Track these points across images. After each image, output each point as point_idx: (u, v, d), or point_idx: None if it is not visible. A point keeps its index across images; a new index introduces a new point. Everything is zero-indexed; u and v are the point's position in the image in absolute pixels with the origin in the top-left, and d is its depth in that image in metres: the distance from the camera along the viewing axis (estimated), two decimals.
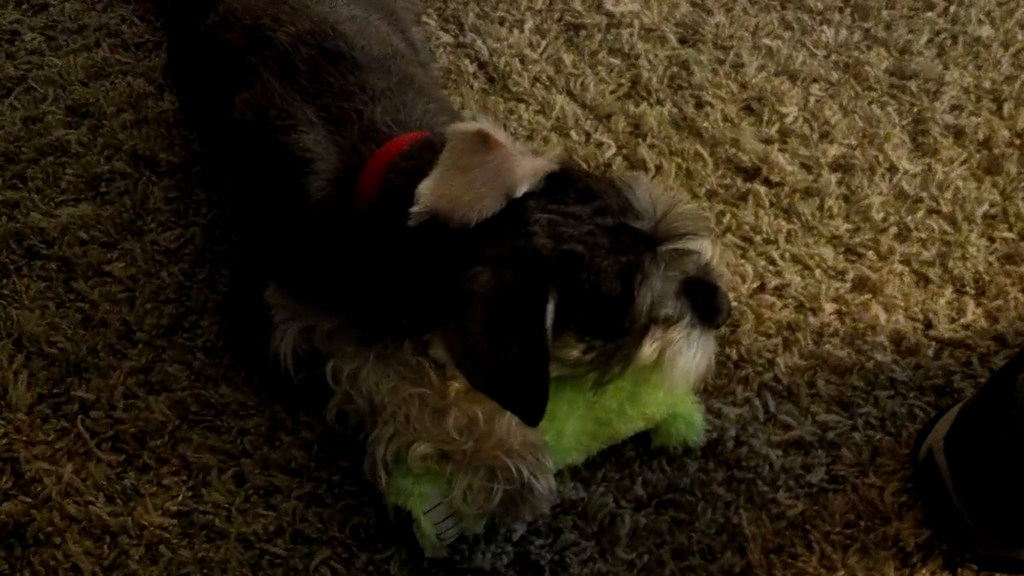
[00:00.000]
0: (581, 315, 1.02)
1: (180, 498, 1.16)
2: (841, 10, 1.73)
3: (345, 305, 1.16)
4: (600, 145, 1.51)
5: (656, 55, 1.65)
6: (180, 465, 1.18)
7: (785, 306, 1.33)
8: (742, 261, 1.37)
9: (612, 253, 1.02)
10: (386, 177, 1.07)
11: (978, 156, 1.50)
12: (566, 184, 1.05)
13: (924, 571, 1.11)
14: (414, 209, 1.00)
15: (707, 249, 1.11)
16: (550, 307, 0.98)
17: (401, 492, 1.06)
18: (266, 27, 1.22)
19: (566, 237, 1.01)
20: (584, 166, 1.47)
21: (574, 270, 1.00)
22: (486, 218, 1.00)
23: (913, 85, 1.60)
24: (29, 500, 1.16)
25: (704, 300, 1.08)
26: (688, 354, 1.08)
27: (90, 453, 1.19)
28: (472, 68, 1.63)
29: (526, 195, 1.02)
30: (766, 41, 1.67)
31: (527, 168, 1.02)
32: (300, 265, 1.16)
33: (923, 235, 1.40)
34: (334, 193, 1.10)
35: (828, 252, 1.38)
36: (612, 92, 1.60)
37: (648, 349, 1.07)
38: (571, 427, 1.11)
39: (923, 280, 1.36)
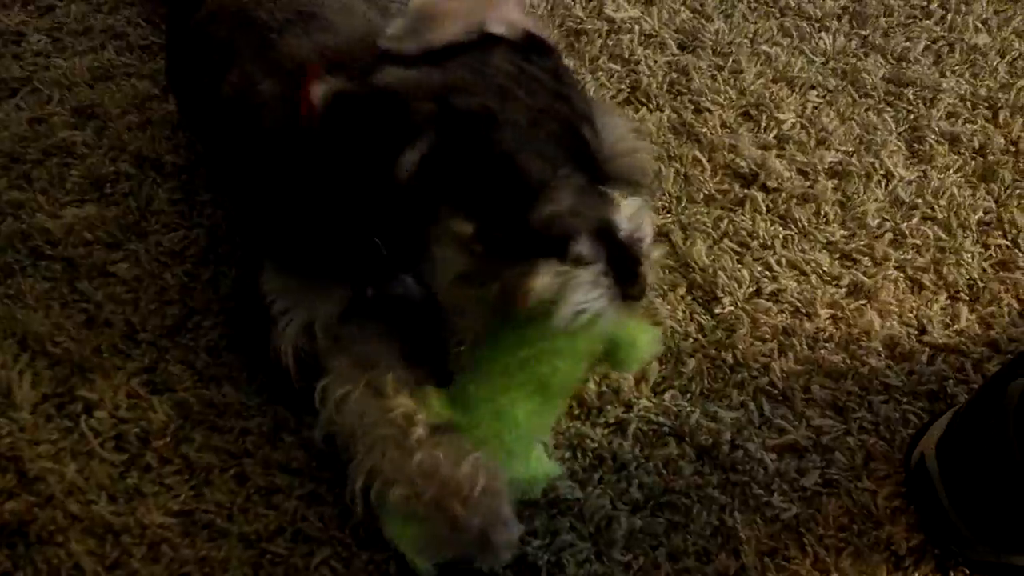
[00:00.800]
0: (469, 192, 0.96)
1: (182, 497, 1.16)
2: (839, 17, 1.75)
3: (336, 264, 1.14)
4: None
5: (656, 61, 1.66)
6: (182, 465, 1.19)
7: (781, 311, 1.34)
8: (739, 266, 1.38)
9: (542, 141, 0.95)
10: (325, 79, 1.03)
11: (973, 163, 1.52)
12: (543, 54, 1.00)
13: (916, 575, 1.12)
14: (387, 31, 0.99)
15: (645, 220, 1.06)
16: (413, 152, 0.92)
17: (393, 536, 1.06)
18: (249, 8, 1.24)
19: (500, 93, 0.94)
20: None
21: (481, 128, 0.93)
22: (448, 45, 0.96)
23: (910, 92, 1.62)
24: (32, 499, 1.16)
25: (623, 265, 1.02)
26: (589, 295, 1.01)
27: (93, 452, 1.20)
28: None
29: (497, 39, 0.98)
30: (764, 48, 1.69)
31: (508, 12, 0.99)
32: (285, 221, 1.14)
33: (918, 241, 1.42)
34: (281, 117, 1.09)
35: (824, 258, 1.40)
36: (612, 97, 1.61)
37: (545, 278, 1.00)
38: (522, 412, 1.09)
39: (917, 286, 1.37)
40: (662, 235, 1.41)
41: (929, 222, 1.45)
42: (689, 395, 1.26)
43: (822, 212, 1.45)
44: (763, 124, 1.57)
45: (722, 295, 1.35)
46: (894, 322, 1.33)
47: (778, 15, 1.75)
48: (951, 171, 1.51)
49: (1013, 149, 1.54)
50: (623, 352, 1.15)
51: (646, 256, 1.06)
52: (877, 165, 1.51)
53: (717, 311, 1.33)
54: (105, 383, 1.26)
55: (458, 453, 1.04)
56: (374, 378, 1.12)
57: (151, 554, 1.13)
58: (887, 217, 1.45)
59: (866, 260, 1.40)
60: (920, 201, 1.46)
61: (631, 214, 1.03)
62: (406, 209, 0.99)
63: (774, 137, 1.55)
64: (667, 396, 1.25)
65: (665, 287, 1.36)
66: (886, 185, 1.49)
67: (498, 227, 0.98)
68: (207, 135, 1.38)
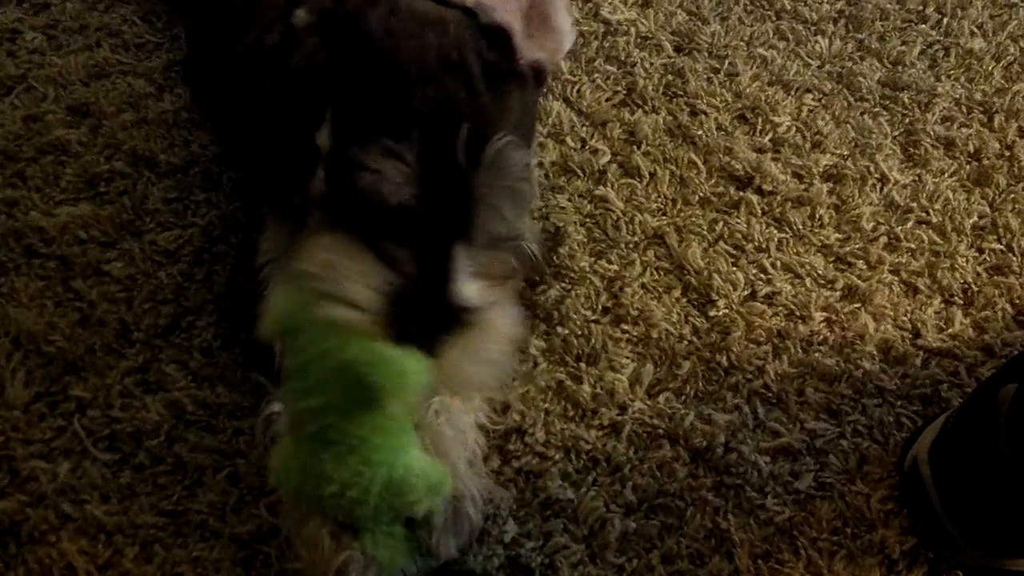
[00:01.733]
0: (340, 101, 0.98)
1: (175, 497, 1.16)
2: (835, 21, 1.75)
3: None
4: (595, 152, 1.52)
5: (652, 63, 1.66)
6: (175, 464, 1.19)
7: (775, 314, 1.34)
8: (734, 269, 1.38)
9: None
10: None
11: (968, 167, 1.52)
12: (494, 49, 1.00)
13: None
14: None
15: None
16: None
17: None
18: None
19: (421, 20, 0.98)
20: (579, 173, 1.49)
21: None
22: None
23: (905, 96, 1.62)
24: (24, 498, 1.16)
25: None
26: (351, 286, 0.94)
27: (86, 452, 1.20)
28: None
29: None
30: (761, 51, 1.69)
31: None
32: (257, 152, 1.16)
33: (912, 245, 1.42)
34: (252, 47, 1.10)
35: (819, 261, 1.40)
36: (608, 99, 1.61)
37: (337, 242, 0.97)
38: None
39: (912, 290, 1.38)
40: (657, 237, 1.41)
41: (924, 226, 1.45)
42: (683, 397, 1.26)
43: (817, 215, 1.45)
44: (759, 127, 1.57)
45: (717, 298, 1.35)
46: (888, 326, 1.34)
47: (774, 18, 1.75)
48: (946, 175, 1.51)
49: (1008, 153, 1.54)
50: (390, 383, 0.95)
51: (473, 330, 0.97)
52: (872, 169, 1.51)
53: (712, 313, 1.33)
54: (98, 382, 1.25)
55: (347, 544, 1.03)
56: None
57: (144, 554, 1.12)
58: (882, 221, 1.45)
59: (861, 264, 1.40)
60: (915, 205, 1.47)
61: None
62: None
63: (769, 140, 1.55)
64: (661, 399, 1.25)
65: (660, 289, 1.36)
66: (881, 189, 1.49)
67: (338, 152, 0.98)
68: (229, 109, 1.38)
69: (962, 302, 1.37)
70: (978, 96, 1.62)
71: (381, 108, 0.96)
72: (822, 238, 1.43)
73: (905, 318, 1.35)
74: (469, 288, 0.97)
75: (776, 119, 1.58)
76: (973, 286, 1.38)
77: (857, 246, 1.42)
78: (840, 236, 1.43)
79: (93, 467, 1.19)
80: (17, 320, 1.30)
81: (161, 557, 1.12)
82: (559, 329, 1.31)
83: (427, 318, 0.95)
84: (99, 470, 1.18)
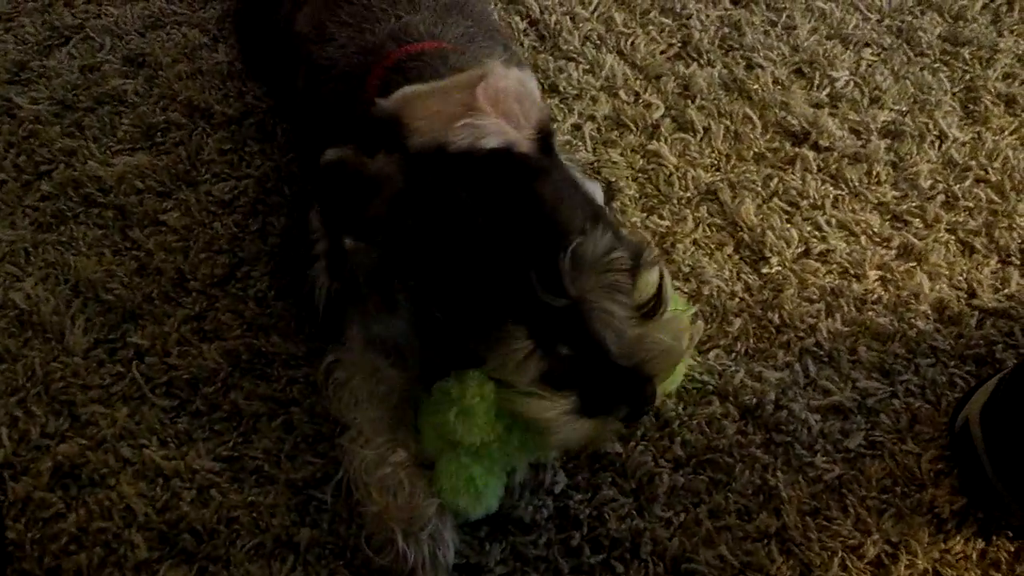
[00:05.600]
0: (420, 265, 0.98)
1: (231, 443, 1.19)
2: None
3: None
4: (649, 106, 1.51)
5: (708, 15, 1.64)
6: (231, 411, 1.21)
7: (829, 272, 1.33)
8: (788, 226, 1.37)
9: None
10: (387, 74, 1.08)
11: None
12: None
13: (958, 538, 1.12)
14: (380, 102, 1.00)
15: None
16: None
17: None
18: None
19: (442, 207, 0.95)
20: (632, 127, 1.48)
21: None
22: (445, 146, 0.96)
23: (966, 52, 1.59)
24: (85, 442, 1.19)
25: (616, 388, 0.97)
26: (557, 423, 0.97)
27: (144, 398, 1.22)
28: (523, 25, 1.64)
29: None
30: (819, 4, 1.66)
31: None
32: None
33: (970, 204, 1.40)
34: (342, 90, 1.13)
35: (874, 219, 1.38)
36: (662, 52, 1.59)
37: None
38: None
39: (968, 249, 1.36)
40: (710, 193, 1.40)
41: (982, 184, 1.43)
42: (734, 354, 1.26)
43: (874, 172, 1.43)
44: (816, 82, 1.55)
45: (770, 255, 1.34)
46: (943, 285, 1.32)
47: None
48: (1006, 133, 1.48)
49: None
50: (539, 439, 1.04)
51: (658, 369, 0.99)
52: (931, 125, 1.49)
53: (764, 271, 1.33)
54: (156, 329, 1.28)
55: (423, 488, 1.06)
56: (375, 369, 1.15)
57: (200, 498, 1.15)
58: (940, 179, 1.43)
59: (917, 222, 1.38)
60: (973, 163, 1.44)
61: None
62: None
63: (827, 95, 1.53)
64: (712, 355, 1.25)
65: (712, 246, 1.35)
66: (939, 146, 1.47)
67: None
68: (279, 77, 1.40)
69: (1019, 262, 1.35)
70: None
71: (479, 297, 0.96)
72: (878, 195, 1.41)
73: (961, 277, 1.33)
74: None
75: (834, 74, 1.55)
76: None
77: (914, 204, 1.40)
78: (897, 194, 1.41)
79: (151, 412, 1.21)
80: (76, 268, 1.33)
81: (217, 501, 1.14)
82: None
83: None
84: (157, 415, 1.21)
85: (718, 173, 1.43)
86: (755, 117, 1.50)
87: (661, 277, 1.01)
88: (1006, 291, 1.32)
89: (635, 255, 0.99)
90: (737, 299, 1.30)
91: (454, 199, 0.94)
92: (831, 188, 1.42)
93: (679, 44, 1.61)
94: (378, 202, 0.97)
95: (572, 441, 0.99)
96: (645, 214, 1.38)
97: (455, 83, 1.02)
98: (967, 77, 1.56)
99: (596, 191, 1.18)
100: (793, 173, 1.43)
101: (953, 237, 1.37)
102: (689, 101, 1.52)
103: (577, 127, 1.50)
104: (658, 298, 0.99)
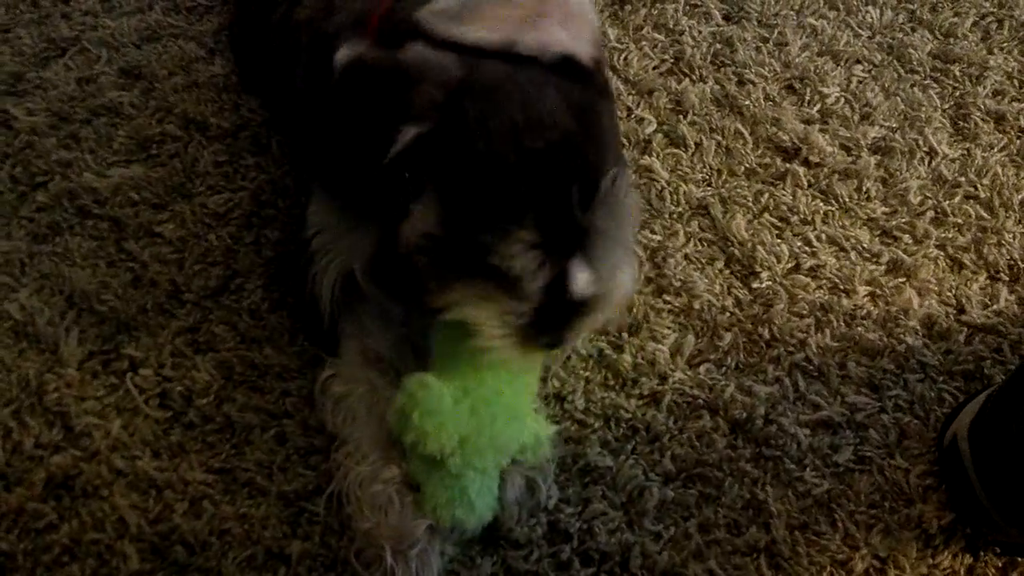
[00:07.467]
0: (448, 186, 0.98)
1: (223, 455, 1.19)
2: None
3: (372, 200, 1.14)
4: (641, 121, 1.52)
5: (700, 32, 1.66)
6: (224, 423, 1.21)
7: (819, 287, 1.34)
8: (778, 241, 1.38)
9: (523, 177, 0.94)
10: (387, 15, 1.07)
11: (1018, 142, 1.51)
12: (579, 83, 1.00)
13: (946, 553, 1.13)
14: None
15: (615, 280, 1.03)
16: (409, 130, 0.95)
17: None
18: None
19: (509, 111, 0.95)
20: (624, 142, 1.49)
21: (476, 134, 0.95)
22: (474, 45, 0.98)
23: (956, 69, 1.60)
24: (78, 453, 1.19)
25: (556, 313, 1.01)
26: (490, 323, 1.01)
27: (138, 409, 1.23)
28: None
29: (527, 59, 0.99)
30: (811, 20, 1.68)
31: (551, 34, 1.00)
32: (323, 149, 1.16)
33: (959, 220, 1.41)
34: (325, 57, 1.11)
35: (864, 234, 1.39)
36: (655, 68, 1.60)
37: (466, 290, 1.01)
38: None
39: (957, 265, 1.37)
40: (702, 208, 1.41)
41: (971, 201, 1.44)
42: (724, 369, 1.27)
43: (864, 188, 1.44)
44: (807, 98, 1.56)
45: (760, 269, 1.35)
46: (933, 301, 1.33)
47: None
48: (995, 150, 1.50)
49: None
50: (530, 452, 1.12)
51: (590, 311, 1.03)
52: (921, 142, 1.50)
53: (755, 285, 1.34)
54: (150, 341, 1.28)
55: (412, 507, 1.08)
56: (379, 380, 1.16)
57: (193, 510, 1.15)
58: (929, 195, 1.44)
59: (907, 238, 1.39)
60: (963, 179, 1.46)
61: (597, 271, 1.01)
62: (395, 178, 1.00)
63: (818, 111, 1.54)
64: (702, 369, 1.26)
65: (703, 260, 1.36)
66: (929, 162, 1.48)
67: (456, 233, 0.99)
68: (276, 78, 1.39)
69: (1008, 278, 1.36)
70: None
71: (493, 194, 0.97)
72: (868, 211, 1.42)
73: (950, 293, 1.34)
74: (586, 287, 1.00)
75: (825, 90, 1.57)
76: (1019, 262, 1.37)
77: (903, 220, 1.41)
78: (886, 210, 1.42)
79: (145, 424, 1.22)
80: (71, 279, 1.33)
81: (210, 513, 1.15)
82: None
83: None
84: (151, 427, 1.21)
85: (709, 188, 1.44)
86: (746, 133, 1.51)
87: None
88: (995, 307, 1.33)
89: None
90: (728, 313, 1.31)
91: (521, 93, 0.95)
92: (821, 204, 1.43)
93: (671, 60, 1.62)
94: (428, 87, 0.96)
95: (502, 358, 1.03)
96: (637, 228, 1.39)
97: None
98: (957, 94, 1.57)
99: None
100: (784, 188, 1.44)
101: (942, 253, 1.38)
102: (681, 116, 1.53)
103: None
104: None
